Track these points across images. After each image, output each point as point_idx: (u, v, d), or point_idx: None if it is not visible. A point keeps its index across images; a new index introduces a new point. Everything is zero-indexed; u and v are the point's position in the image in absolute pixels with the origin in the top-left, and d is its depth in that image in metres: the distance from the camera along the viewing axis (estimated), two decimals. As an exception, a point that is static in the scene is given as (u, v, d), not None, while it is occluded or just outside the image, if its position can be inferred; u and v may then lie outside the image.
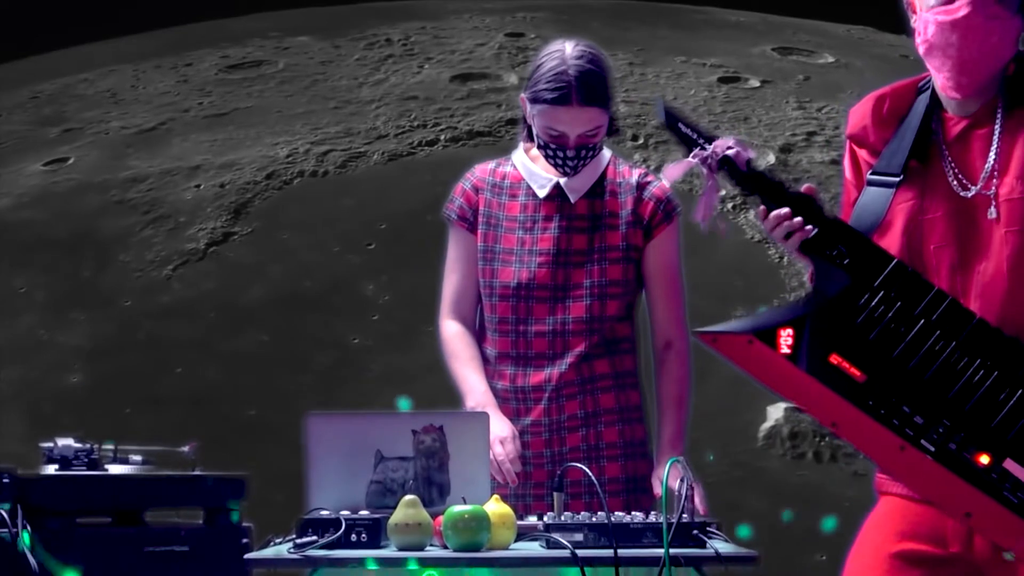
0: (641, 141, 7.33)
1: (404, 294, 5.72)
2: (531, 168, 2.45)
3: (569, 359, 2.38)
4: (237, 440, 4.74)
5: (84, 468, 2.40)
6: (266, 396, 5.20)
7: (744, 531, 2.02)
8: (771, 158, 7.16)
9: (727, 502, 4.92)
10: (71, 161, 7.65)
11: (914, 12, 1.89)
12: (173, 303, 6.06)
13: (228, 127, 7.76)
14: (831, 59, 9.43)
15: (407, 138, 7.37)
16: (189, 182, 7.05)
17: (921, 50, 1.87)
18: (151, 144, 7.65)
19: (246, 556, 1.92)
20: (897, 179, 1.87)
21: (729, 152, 1.82)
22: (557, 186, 2.42)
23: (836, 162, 7.33)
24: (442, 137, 7.39)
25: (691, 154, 1.84)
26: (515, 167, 2.47)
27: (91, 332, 5.89)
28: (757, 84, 8.54)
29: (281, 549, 1.91)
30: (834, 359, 1.77)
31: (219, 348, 5.75)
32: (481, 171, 2.50)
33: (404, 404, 4.81)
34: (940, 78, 1.87)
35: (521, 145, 2.48)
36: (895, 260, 1.81)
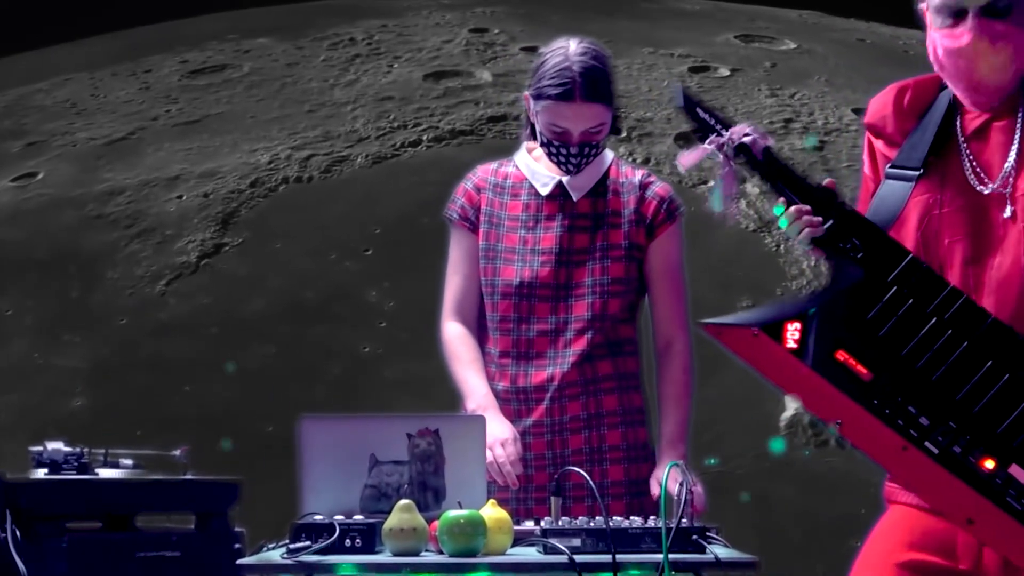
0: (624, 134, 7.34)
1: (409, 299, 5.66)
2: (533, 167, 2.45)
3: (571, 358, 2.37)
4: (258, 457, 4.64)
5: (74, 472, 2.36)
6: (281, 410, 5.10)
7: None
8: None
9: (756, 494, 4.96)
10: (40, 176, 7.43)
11: (926, 23, 1.87)
12: (171, 319, 5.92)
13: (202, 134, 7.60)
14: (793, 45, 9.53)
15: (389, 140, 7.28)
16: (170, 193, 6.89)
17: (935, 68, 1.87)
18: (123, 155, 7.46)
19: (238, 562, 1.89)
20: (916, 173, 1.86)
21: (746, 139, 1.79)
22: (560, 184, 2.42)
23: (817, 148, 7.41)
24: (424, 137, 7.32)
25: (707, 140, 1.81)
26: (517, 168, 2.47)
27: (89, 353, 5.73)
28: (727, 73, 8.60)
29: (274, 554, 1.88)
30: (840, 355, 1.74)
31: (226, 364, 5.63)
32: (483, 171, 2.50)
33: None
34: (956, 92, 1.87)
35: (524, 146, 2.48)
36: (910, 255, 1.78)
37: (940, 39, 1.83)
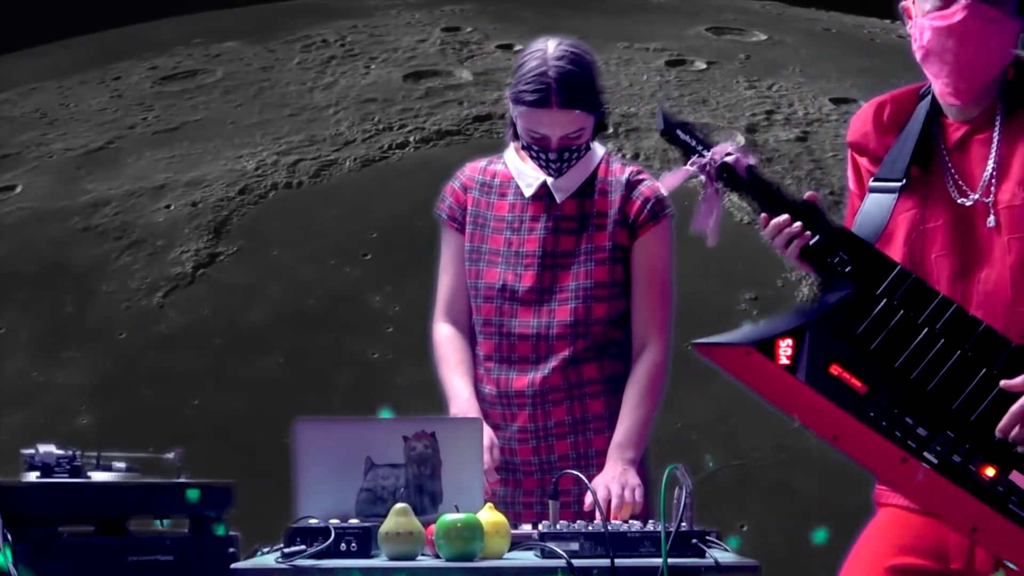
0: (610, 130, 7.34)
1: (413, 303, 5.61)
2: (520, 167, 2.42)
3: (553, 363, 2.35)
4: (278, 470, 4.58)
5: (66, 475, 2.34)
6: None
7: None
8: (741, 139, 7.26)
9: (777, 485, 4.99)
10: (19, 189, 7.26)
11: (910, 18, 1.89)
12: (172, 331, 5.81)
13: (183, 142, 7.47)
14: (763, 36, 9.60)
15: (376, 142, 7.22)
16: (157, 203, 6.77)
17: (918, 56, 1.87)
18: (104, 165, 7.31)
19: (232, 566, 1.88)
20: (899, 184, 1.87)
21: (728, 159, 1.80)
22: (545, 185, 2.40)
23: (801, 139, 7.47)
24: (412, 139, 7.27)
25: (689, 161, 1.82)
26: (506, 166, 2.45)
27: (91, 369, 5.60)
28: (704, 66, 8.64)
29: (269, 559, 1.87)
30: (834, 370, 1.74)
31: (233, 375, 5.55)
32: (471, 170, 2.47)
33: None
34: (938, 84, 1.87)
35: (511, 144, 2.45)
36: (898, 267, 1.80)
37: (929, 21, 1.83)
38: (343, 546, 1.83)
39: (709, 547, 1.87)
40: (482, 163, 2.47)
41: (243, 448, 4.96)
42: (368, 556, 1.85)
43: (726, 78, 8.37)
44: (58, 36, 10.53)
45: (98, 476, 2.42)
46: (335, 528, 1.84)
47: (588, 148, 2.37)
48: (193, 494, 2.41)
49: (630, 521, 2.00)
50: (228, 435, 5.16)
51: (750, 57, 8.89)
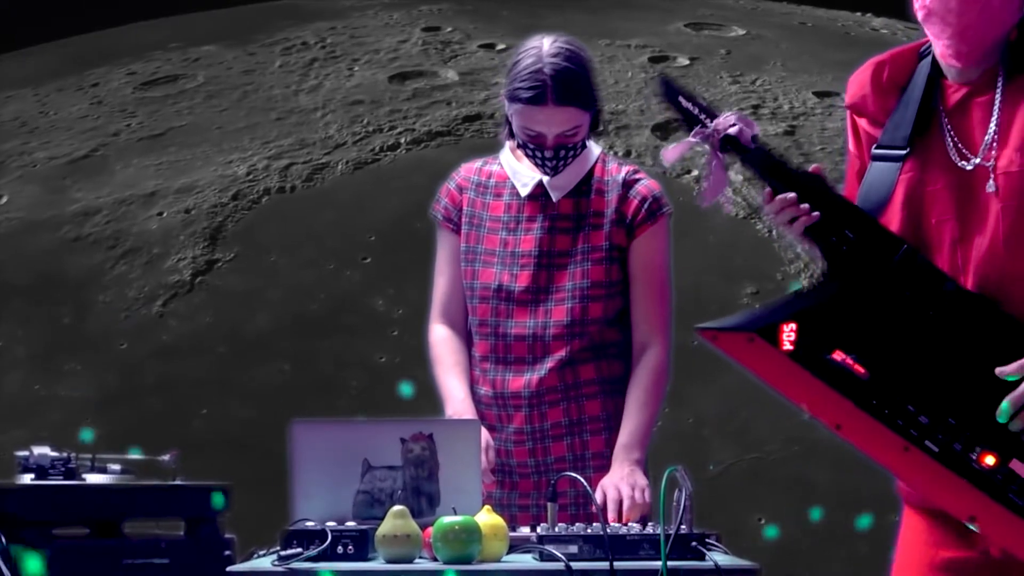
0: (600, 128, 7.35)
1: (417, 305, 5.58)
2: (515, 167, 2.42)
3: (549, 364, 2.34)
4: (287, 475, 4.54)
5: (61, 477, 2.31)
6: (306, 427, 4.97)
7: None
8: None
9: (792, 478, 5.02)
10: (5, 200, 7.15)
11: None
12: (174, 340, 5.74)
13: (169, 148, 7.39)
14: (742, 32, 9.65)
15: (367, 145, 7.18)
16: (149, 210, 6.69)
17: (919, 16, 1.84)
18: (90, 173, 7.21)
19: (229, 569, 1.87)
20: (903, 152, 1.84)
21: (731, 130, 1.74)
22: (541, 184, 2.39)
23: (788, 133, 7.52)
24: (403, 141, 7.24)
25: (692, 132, 1.76)
26: (502, 166, 2.44)
27: (94, 381, 5.52)
28: (687, 62, 8.68)
29: (265, 561, 1.86)
30: (838, 356, 1.71)
31: (240, 383, 5.49)
32: (466, 170, 2.47)
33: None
34: (939, 45, 1.84)
35: (507, 144, 2.45)
36: (905, 245, 1.76)
37: None
38: (340, 549, 1.81)
39: (709, 550, 1.85)
40: (477, 163, 2.46)
41: (254, 455, 4.91)
42: (365, 559, 1.83)
43: (710, 74, 8.40)
44: (28, 42, 10.38)
45: (93, 478, 2.39)
46: (332, 531, 1.82)
47: (584, 146, 2.35)
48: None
49: (629, 524, 2.00)
50: (239, 443, 5.11)
51: (731, 52, 8.94)
